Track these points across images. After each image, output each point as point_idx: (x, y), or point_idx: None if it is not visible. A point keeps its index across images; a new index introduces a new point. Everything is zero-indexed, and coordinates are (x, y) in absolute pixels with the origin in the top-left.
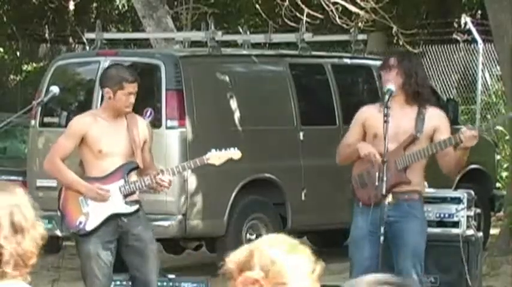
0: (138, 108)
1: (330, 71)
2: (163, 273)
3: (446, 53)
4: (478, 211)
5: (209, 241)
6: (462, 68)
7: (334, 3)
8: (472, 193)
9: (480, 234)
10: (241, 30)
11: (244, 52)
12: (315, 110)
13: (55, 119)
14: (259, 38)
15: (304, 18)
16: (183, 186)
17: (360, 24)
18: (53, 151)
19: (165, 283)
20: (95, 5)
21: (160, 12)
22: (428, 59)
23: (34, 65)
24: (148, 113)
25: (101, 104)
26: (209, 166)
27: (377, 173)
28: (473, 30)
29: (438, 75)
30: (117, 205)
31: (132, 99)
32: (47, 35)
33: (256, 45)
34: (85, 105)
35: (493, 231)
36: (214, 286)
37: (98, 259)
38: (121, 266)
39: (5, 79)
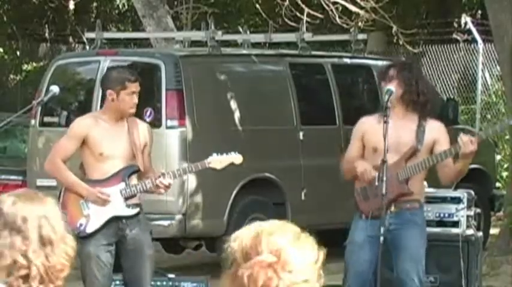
0: (138, 108)
1: (330, 70)
2: (163, 273)
3: (446, 52)
4: (478, 210)
5: (209, 241)
6: (462, 68)
7: (334, 3)
8: (472, 192)
9: (480, 234)
10: (241, 30)
11: (244, 52)
12: (314, 109)
13: (55, 119)
14: (259, 37)
15: (304, 17)
16: (183, 186)
17: (359, 23)
18: (54, 152)
19: (164, 283)
20: (95, 4)
21: (161, 11)
22: (428, 59)
23: (34, 64)
24: (148, 113)
25: (101, 103)
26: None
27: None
28: (473, 30)
29: (438, 75)
30: (118, 207)
31: (136, 99)
32: (47, 35)
33: (256, 45)
34: (85, 105)
35: (493, 231)
36: (214, 286)
37: (98, 260)
38: (120, 267)
39: (5, 79)
